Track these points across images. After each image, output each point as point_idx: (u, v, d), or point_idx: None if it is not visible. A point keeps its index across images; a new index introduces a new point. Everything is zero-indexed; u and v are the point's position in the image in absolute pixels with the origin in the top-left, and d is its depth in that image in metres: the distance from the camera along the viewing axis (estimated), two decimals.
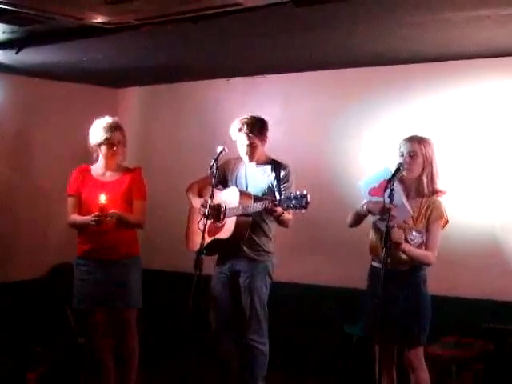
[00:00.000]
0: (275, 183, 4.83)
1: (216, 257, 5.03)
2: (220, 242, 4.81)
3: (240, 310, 4.93)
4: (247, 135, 4.81)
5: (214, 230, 4.83)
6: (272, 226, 4.92)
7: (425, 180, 4.24)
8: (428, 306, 4.30)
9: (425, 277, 4.31)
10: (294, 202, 4.36)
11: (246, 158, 4.91)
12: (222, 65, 6.04)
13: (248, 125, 4.80)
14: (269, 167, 4.92)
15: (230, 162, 5.01)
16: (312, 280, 6.08)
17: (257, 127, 4.84)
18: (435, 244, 4.23)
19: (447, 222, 4.28)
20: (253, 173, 4.94)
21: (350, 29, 4.59)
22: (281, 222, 4.75)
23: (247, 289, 4.89)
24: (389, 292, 3.99)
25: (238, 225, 4.73)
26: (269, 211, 4.58)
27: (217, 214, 4.79)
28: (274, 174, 4.87)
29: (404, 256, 4.20)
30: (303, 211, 4.37)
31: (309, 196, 4.33)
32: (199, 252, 4.30)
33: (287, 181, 4.83)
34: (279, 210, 4.53)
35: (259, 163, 4.94)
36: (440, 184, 4.29)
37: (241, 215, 4.73)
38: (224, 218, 4.78)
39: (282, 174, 4.85)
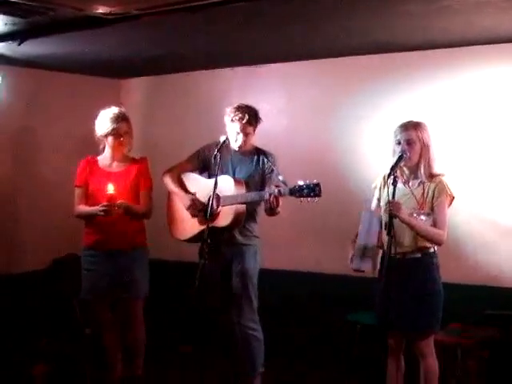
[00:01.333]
0: (265, 170, 4.86)
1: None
2: (214, 229, 4.77)
3: (231, 296, 4.92)
4: (246, 125, 4.81)
5: (205, 219, 4.77)
6: (260, 211, 4.92)
7: (422, 165, 4.22)
8: (441, 293, 4.27)
9: (437, 263, 4.28)
10: (306, 191, 4.36)
11: (236, 146, 4.90)
12: (224, 54, 6.04)
13: (248, 115, 4.80)
14: (254, 155, 4.94)
15: (212, 147, 4.91)
16: (315, 268, 6.09)
17: (254, 118, 4.85)
18: (443, 222, 4.19)
19: (453, 198, 4.24)
20: (239, 160, 4.94)
21: (351, 17, 4.59)
22: (273, 213, 4.67)
23: (239, 274, 4.89)
24: (401, 280, 3.99)
25: (236, 213, 4.74)
26: (275, 199, 4.51)
27: (205, 211, 4.72)
28: (261, 162, 4.90)
29: (415, 242, 4.19)
30: (316, 200, 4.36)
31: (321, 185, 4.34)
32: (203, 240, 4.30)
33: (272, 170, 4.83)
34: (281, 201, 4.52)
35: (245, 151, 4.94)
36: (437, 168, 4.27)
37: (239, 203, 4.73)
38: (219, 207, 4.77)
39: (269, 162, 4.86)
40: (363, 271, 4.34)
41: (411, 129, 4.23)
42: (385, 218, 4.21)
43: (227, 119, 4.87)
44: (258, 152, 4.96)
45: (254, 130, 4.90)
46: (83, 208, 4.96)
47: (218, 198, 4.76)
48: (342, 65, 6.05)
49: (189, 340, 4.80)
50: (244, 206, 4.77)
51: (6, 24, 4.71)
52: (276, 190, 4.51)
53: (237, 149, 4.91)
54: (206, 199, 4.77)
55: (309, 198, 4.37)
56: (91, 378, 5.30)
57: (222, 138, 4.66)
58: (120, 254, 4.90)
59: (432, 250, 4.27)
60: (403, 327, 4.24)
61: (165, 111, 7.17)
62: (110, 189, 4.74)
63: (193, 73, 6.84)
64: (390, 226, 3.97)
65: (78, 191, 5.02)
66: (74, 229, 5.18)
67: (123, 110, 5.02)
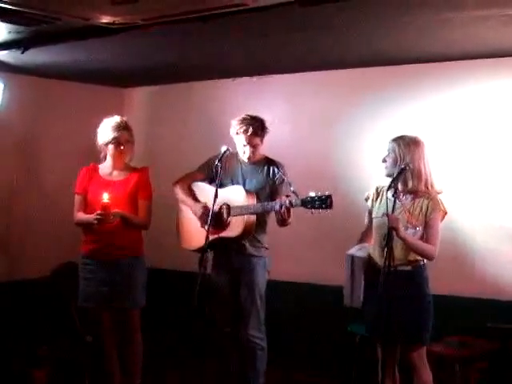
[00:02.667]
0: (276, 180, 4.88)
1: (212, 254, 5.01)
2: (223, 240, 4.82)
3: (239, 307, 4.94)
4: (252, 136, 4.82)
5: (216, 229, 4.82)
6: (269, 222, 4.95)
7: (412, 180, 4.23)
8: (431, 306, 4.31)
9: (427, 277, 4.32)
10: (317, 202, 4.39)
11: (245, 158, 4.92)
12: (228, 65, 6.06)
13: (253, 127, 4.80)
14: (264, 165, 4.95)
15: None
16: (315, 279, 6.09)
17: (260, 128, 4.85)
18: (436, 237, 4.22)
19: (445, 213, 4.28)
20: (249, 171, 4.95)
21: (353, 29, 4.60)
22: (284, 224, 4.69)
23: (247, 285, 4.91)
24: (391, 292, 4.01)
25: (246, 224, 4.75)
26: (287, 211, 4.53)
27: (216, 221, 4.76)
28: (271, 172, 4.92)
29: (406, 256, 4.22)
30: (328, 211, 4.40)
31: (332, 196, 4.37)
32: (203, 250, 4.31)
33: (283, 180, 4.83)
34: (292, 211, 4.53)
35: (255, 161, 4.96)
36: (431, 183, 4.28)
37: (250, 214, 4.74)
38: (229, 217, 4.79)
39: (279, 172, 4.87)
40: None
41: (392, 141, 4.32)
42: (380, 231, 4.24)
43: (232, 132, 4.87)
44: (269, 162, 4.96)
45: (262, 141, 4.89)
46: (81, 216, 4.98)
47: (228, 208, 4.79)
48: (343, 77, 6.06)
49: (188, 349, 4.78)
50: (254, 216, 4.78)
51: (9, 32, 4.72)
52: (287, 201, 4.51)
53: (246, 160, 4.92)
54: (217, 208, 4.77)
55: (320, 210, 4.40)
56: None
57: (223, 149, 4.65)
58: (117, 263, 4.90)
59: (422, 262, 4.30)
60: (394, 338, 4.24)
61: (168, 121, 7.18)
62: (105, 198, 4.75)
63: (196, 83, 6.86)
64: (387, 239, 3.99)
65: (77, 198, 5.04)
66: (75, 236, 5.18)
67: (125, 119, 5.04)
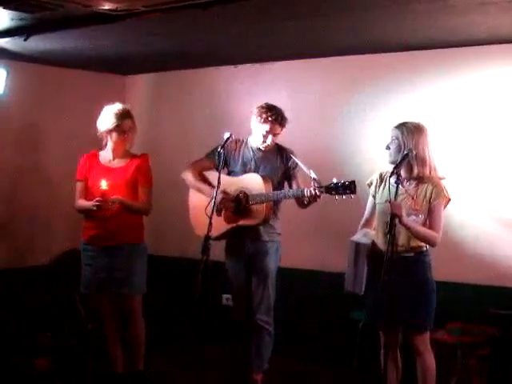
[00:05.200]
0: (290, 165, 4.94)
1: (225, 240, 5.08)
2: (240, 227, 4.86)
3: (251, 292, 5.00)
4: (278, 127, 4.87)
5: (234, 217, 4.87)
6: (281, 208, 5.00)
7: (416, 166, 4.24)
8: (434, 291, 4.32)
9: (430, 263, 4.33)
10: (342, 188, 4.43)
11: (263, 146, 4.93)
12: (229, 52, 6.05)
13: (280, 117, 4.85)
14: (276, 152, 4.99)
15: (231, 144, 4.96)
16: (317, 266, 6.11)
17: (283, 119, 4.89)
18: (439, 224, 4.23)
19: (449, 200, 4.28)
20: (260, 157, 4.98)
21: (356, 16, 4.59)
22: (306, 206, 4.73)
23: (260, 270, 4.96)
24: (394, 279, 4.02)
25: (267, 211, 4.80)
26: (314, 197, 4.55)
27: (237, 202, 4.84)
28: (284, 158, 4.97)
29: (409, 242, 4.24)
30: (352, 196, 4.44)
31: (355, 181, 4.43)
32: (206, 237, 4.32)
33: (296, 165, 4.86)
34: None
35: (267, 148, 4.97)
36: (435, 170, 4.30)
37: (271, 201, 4.80)
38: (250, 204, 4.81)
39: (291, 158, 4.91)
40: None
41: (394, 128, 4.33)
42: (384, 217, 4.25)
43: (257, 120, 4.88)
44: (280, 149, 5.01)
45: (282, 131, 4.93)
46: (82, 202, 5.00)
47: (245, 195, 4.81)
48: (347, 63, 6.05)
49: (190, 336, 4.80)
50: (272, 203, 4.82)
51: (12, 19, 4.71)
52: (313, 190, 4.51)
53: (262, 148, 4.94)
54: (233, 195, 4.84)
55: (344, 196, 4.44)
56: (93, 372, 5.33)
57: (226, 135, 4.65)
58: (117, 249, 4.92)
59: (424, 248, 4.31)
60: (397, 324, 4.27)
61: (169, 108, 7.18)
62: (103, 184, 4.79)
63: (197, 70, 6.85)
64: (391, 226, 3.99)
65: (78, 185, 5.07)
66: (77, 223, 5.20)
67: (128, 106, 5.05)
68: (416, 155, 4.21)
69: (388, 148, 4.32)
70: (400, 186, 4.17)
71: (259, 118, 4.86)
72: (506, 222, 5.36)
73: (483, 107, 5.46)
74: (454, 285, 5.31)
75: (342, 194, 4.44)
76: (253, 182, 4.83)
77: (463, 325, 5.19)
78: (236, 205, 4.86)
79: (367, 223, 4.52)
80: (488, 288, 5.35)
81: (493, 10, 4.28)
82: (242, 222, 4.87)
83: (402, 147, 4.23)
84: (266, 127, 4.85)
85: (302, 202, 4.68)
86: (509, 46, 5.25)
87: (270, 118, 4.82)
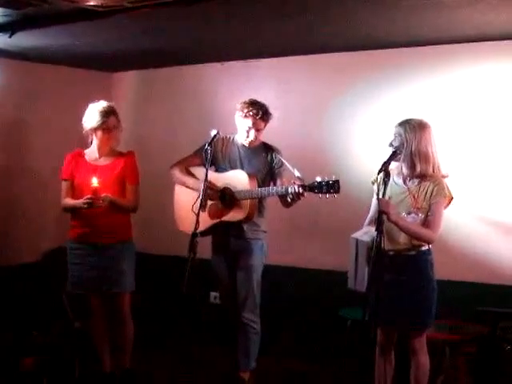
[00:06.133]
0: (274, 165, 4.91)
1: (211, 238, 5.07)
2: (224, 223, 4.84)
3: (236, 290, 4.98)
4: (259, 120, 4.84)
5: (217, 212, 4.87)
6: (267, 206, 4.98)
7: (419, 164, 4.19)
8: (435, 290, 4.29)
9: (432, 261, 4.29)
10: (325, 187, 4.40)
11: (247, 142, 4.92)
12: (217, 48, 6.03)
13: (261, 111, 4.83)
14: (262, 150, 4.98)
15: (218, 141, 4.95)
16: (306, 263, 6.10)
17: (266, 114, 4.88)
18: (437, 222, 4.18)
19: (451, 199, 4.24)
20: (247, 155, 4.97)
21: (344, 12, 4.59)
22: (290, 205, 4.69)
23: (244, 268, 4.95)
24: (396, 277, 4.01)
25: (250, 208, 4.78)
26: (297, 195, 4.51)
27: (222, 196, 4.83)
28: (269, 157, 4.94)
29: (411, 240, 4.20)
30: (335, 196, 4.41)
31: (339, 181, 4.39)
32: (193, 234, 4.30)
33: (282, 163, 4.85)
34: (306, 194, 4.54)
35: (254, 146, 4.97)
36: (437, 168, 4.24)
37: (255, 198, 4.77)
38: (235, 201, 4.79)
39: (277, 157, 4.90)
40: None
41: (398, 125, 4.27)
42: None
43: (239, 114, 4.88)
44: (266, 147, 5.00)
45: (265, 126, 4.92)
46: (69, 201, 4.97)
47: (230, 191, 4.82)
48: (335, 61, 6.04)
49: (178, 334, 4.79)
50: (257, 200, 4.81)
51: None
52: (296, 187, 4.47)
53: (247, 144, 4.94)
54: (219, 188, 4.84)
55: (328, 195, 4.41)
56: (80, 371, 5.30)
57: (213, 132, 4.64)
58: (105, 247, 4.90)
59: (426, 247, 4.27)
60: (397, 324, 4.26)
61: (156, 105, 7.16)
62: (94, 182, 4.75)
63: (185, 67, 6.83)
64: (379, 223, 3.97)
65: (64, 184, 5.03)
66: (65, 221, 5.17)
67: (112, 104, 5.02)
68: (419, 152, 4.18)
69: (391, 145, 4.25)
70: (401, 182, 4.16)
71: (241, 113, 4.87)
72: (495, 221, 5.38)
73: (473, 105, 5.47)
74: (442, 282, 5.27)
75: (325, 193, 4.41)
76: (238, 179, 4.82)
77: (451, 322, 5.19)
78: (221, 197, 4.84)
79: (370, 221, 4.48)
80: (477, 285, 5.36)
81: (480, 7, 4.28)
82: (225, 218, 4.86)
83: (405, 144, 4.20)
84: (248, 122, 4.85)
85: (285, 200, 4.66)
86: (498, 43, 5.24)
87: (251, 113, 4.81)
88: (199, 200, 4.41)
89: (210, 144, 4.62)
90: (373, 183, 4.47)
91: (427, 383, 4.35)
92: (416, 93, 5.67)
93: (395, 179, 4.20)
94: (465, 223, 5.46)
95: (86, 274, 4.93)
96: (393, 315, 4.12)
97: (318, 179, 4.43)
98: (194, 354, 4.38)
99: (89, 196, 4.75)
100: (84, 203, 4.76)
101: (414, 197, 4.22)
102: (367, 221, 4.50)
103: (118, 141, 5.01)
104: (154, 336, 6.18)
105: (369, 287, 4.26)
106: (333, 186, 4.39)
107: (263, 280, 5.05)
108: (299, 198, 4.52)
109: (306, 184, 4.46)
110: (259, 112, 4.82)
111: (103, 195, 4.77)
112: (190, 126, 6.69)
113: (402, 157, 4.20)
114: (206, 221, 4.81)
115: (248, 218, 4.82)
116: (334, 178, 4.41)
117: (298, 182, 4.48)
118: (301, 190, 4.46)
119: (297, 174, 4.54)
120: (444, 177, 4.28)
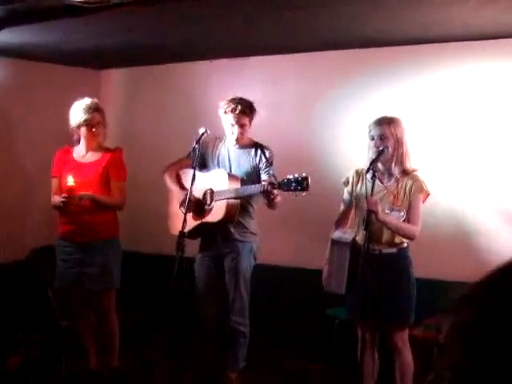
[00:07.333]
0: (261, 166, 4.84)
1: (199, 240, 5.03)
2: (207, 225, 4.81)
3: (223, 292, 4.94)
4: (240, 116, 4.78)
5: (199, 213, 4.82)
6: (256, 208, 4.94)
7: (396, 161, 4.24)
8: (414, 288, 4.33)
9: (411, 259, 4.34)
10: (294, 184, 4.34)
11: (232, 139, 4.87)
12: (205, 46, 6.01)
13: (241, 105, 4.77)
14: (252, 150, 4.92)
15: (209, 142, 4.94)
16: (294, 262, 6.09)
17: (248, 108, 4.82)
18: (417, 218, 4.23)
19: (428, 195, 4.29)
20: (236, 155, 4.92)
21: (334, 10, 4.57)
22: (273, 205, 4.65)
23: (232, 270, 4.90)
24: (377, 275, 4.01)
25: (228, 208, 4.72)
26: (267, 194, 4.49)
27: (198, 206, 4.78)
28: (258, 157, 4.88)
29: (393, 238, 4.23)
30: (303, 194, 4.35)
31: (309, 178, 4.32)
32: (181, 234, 4.27)
33: (271, 163, 4.82)
34: (276, 192, 4.48)
35: (242, 145, 4.92)
36: (410, 164, 4.29)
37: (232, 198, 4.71)
38: (212, 202, 4.77)
39: (267, 156, 4.85)
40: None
41: (384, 124, 4.25)
42: (361, 214, 4.22)
43: (221, 112, 4.85)
44: (257, 147, 4.93)
45: (250, 122, 4.86)
46: (54, 199, 4.95)
47: (212, 192, 4.76)
48: (324, 59, 6.05)
49: (164, 334, 4.76)
50: (237, 201, 4.75)
51: None
52: (267, 185, 4.45)
53: (234, 142, 4.88)
54: (201, 194, 4.78)
55: (296, 192, 4.36)
56: (67, 369, 5.27)
57: (201, 131, 4.63)
58: (91, 245, 4.88)
59: (406, 244, 4.32)
60: (379, 321, 4.25)
61: (145, 102, 7.14)
62: (70, 181, 4.73)
63: (173, 64, 6.81)
64: (367, 222, 3.98)
65: (53, 181, 5.03)
66: (53, 219, 5.14)
67: (96, 100, 5.00)
68: (407, 149, 4.22)
69: (386, 148, 4.21)
70: (378, 182, 4.15)
71: (222, 109, 4.83)
72: (486, 218, 5.38)
73: (462, 103, 5.48)
74: (430, 281, 5.30)
75: (293, 191, 4.34)
76: (219, 179, 4.79)
77: (439, 320, 5.18)
78: (198, 204, 4.80)
79: (341, 222, 4.49)
80: (464, 284, 5.32)
81: (470, 6, 4.27)
82: (205, 219, 4.81)
83: (397, 143, 4.21)
84: (229, 118, 4.80)
85: (265, 202, 4.63)
86: (487, 42, 5.25)
87: (230, 109, 4.77)
88: (186, 201, 4.41)
89: (197, 142, 4.59)
90: (345, 184, 4.46)
91: (414, 382, 4.35)
92: (406, 91, 5.68)
93: (368, 177, 4.18)
94: (447, 222, 5.47)
95: (71, 270, 4.92)
96: (376, 312, 4.11)
97: (289, 176, 4.37)
98: (182, 353, 4.35)
99: (64, 195, 4.73)
100: (60, 202, 4.75)
101: (393, 195, 4.24)
102: (336, 220, 4.50)
103: (105, 137, 4.99)
104: (140, 335, 6.16)
105: (349, 287, 4.28)
106: (301, 183, 4.31)
107: (252, 279, 5.02)
108: (270, 197, 4.49)
109: (275, 182, 4.43)
110: (238, 106, 4.75)
111: (81, 193, 4.75)
112: (178, 123, 6.67)
113: (388, 155, 4.19)
114: (190, 222, 4.80)
115: (227, 219, 4.74)
116: (303, 174, 4.34)
117: (268, 180, 4.47)
118: (269, 188, 4.43)
119: (271, 172, 4.57)
120: (414, 171, 4.30)
